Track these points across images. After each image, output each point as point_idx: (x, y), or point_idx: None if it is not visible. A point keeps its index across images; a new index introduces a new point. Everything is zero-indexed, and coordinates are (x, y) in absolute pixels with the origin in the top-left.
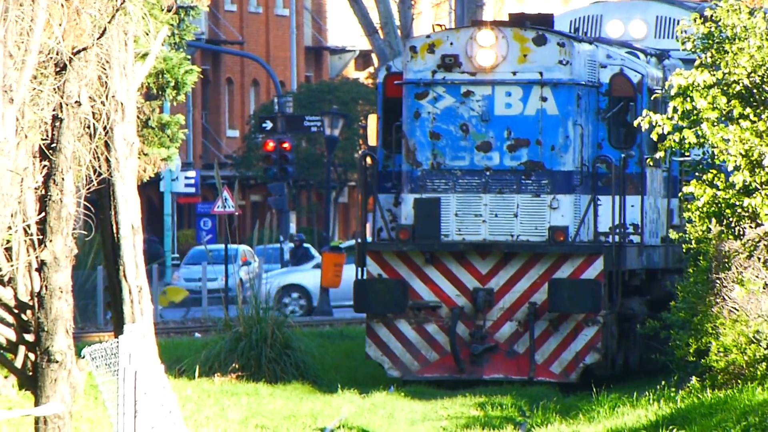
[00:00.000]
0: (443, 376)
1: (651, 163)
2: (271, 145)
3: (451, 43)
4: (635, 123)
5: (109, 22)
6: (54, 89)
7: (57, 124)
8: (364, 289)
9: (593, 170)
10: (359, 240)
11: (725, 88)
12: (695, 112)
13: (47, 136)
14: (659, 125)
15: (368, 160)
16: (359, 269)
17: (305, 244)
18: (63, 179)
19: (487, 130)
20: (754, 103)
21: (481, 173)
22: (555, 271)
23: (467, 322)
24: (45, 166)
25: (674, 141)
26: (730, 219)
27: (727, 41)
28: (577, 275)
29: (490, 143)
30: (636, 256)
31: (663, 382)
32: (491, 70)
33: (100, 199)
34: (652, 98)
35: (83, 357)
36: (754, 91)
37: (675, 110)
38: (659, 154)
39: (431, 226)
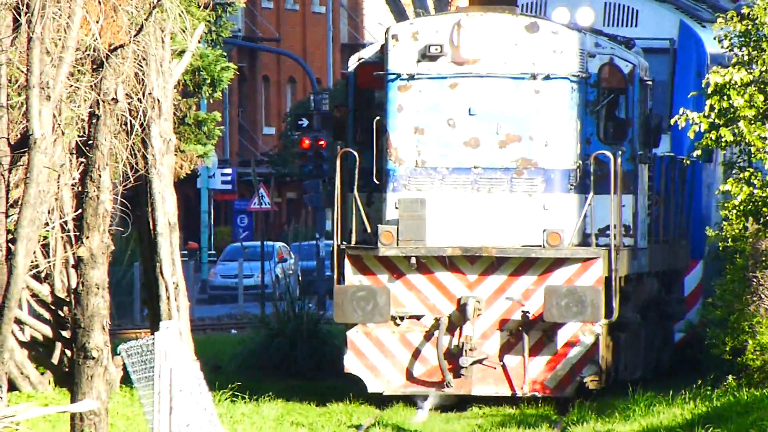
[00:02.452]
0: (429, 391)
1: (687, 162)
2: (307, 142)
3: (437, 31)
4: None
5: (146, 19)
6: (91, 86)
7: (94, 121)
8: (343, 297)
9: (592, 168)
10: (338, 243)
11: (762, 86)
12: (732, 110)
13: (84, 133)
14: (695, 123)
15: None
16: (338, 275)
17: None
18: (100, 176)
19: (475, 125)
20: None
21: (469, 171)
22: (549, 276)
23: (454, 333)
24: (82, 163)
25: (711, 139)
26: (767, 217)
27: (764, 39)
28: (572, 281)
29: (479, 139)
30: (630, 259)
31: (699, 381)
32: (480, 60)
33: (136, 196)
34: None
35: (119, 354)
36: None
37: (711, 108)
38: (696, 153)
39: (416, 228)
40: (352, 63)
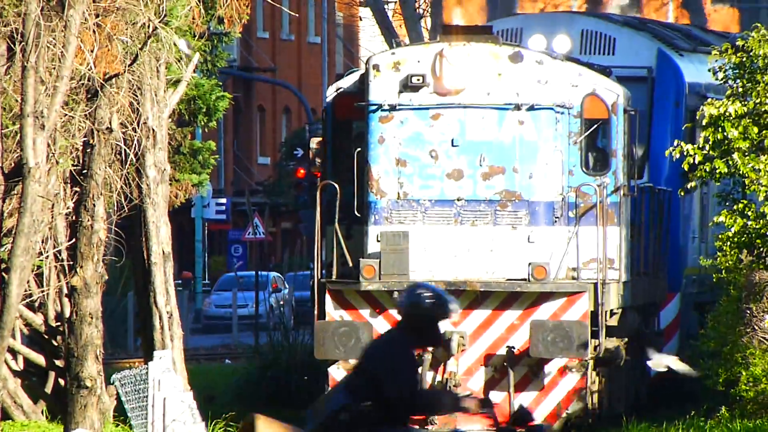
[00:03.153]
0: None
1: (682, 194)
2: (302, 172)
3: (418, 61)
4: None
5: (141, 49)
6: (85, 115)
7: (88, 150)
8: (324, 333)
9: (576, 200)
10: (318, 277)
11: (756, 118)
12: (726, 142)
13: (78, 162)
14: (690, 155)
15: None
16: (318, 310)
17: None
18: (94, 205)
19: (458, 157)
20: None
21: (452, 204)
22: (534, 311)
23: (438, 369)
24: (76, 192)
25: (705, 171)
26: (761, 249)
27: (758, 71)
28: (558, 316)
29: (462, 171)
30: (616, 293)
31: (693, 412)
32: (463, 90)
33: (130, 226)
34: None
35: (113, 383)
36: None
37: (706, 140)
38: (691, 184)
39: (398, 262)
40: (330, 93)
